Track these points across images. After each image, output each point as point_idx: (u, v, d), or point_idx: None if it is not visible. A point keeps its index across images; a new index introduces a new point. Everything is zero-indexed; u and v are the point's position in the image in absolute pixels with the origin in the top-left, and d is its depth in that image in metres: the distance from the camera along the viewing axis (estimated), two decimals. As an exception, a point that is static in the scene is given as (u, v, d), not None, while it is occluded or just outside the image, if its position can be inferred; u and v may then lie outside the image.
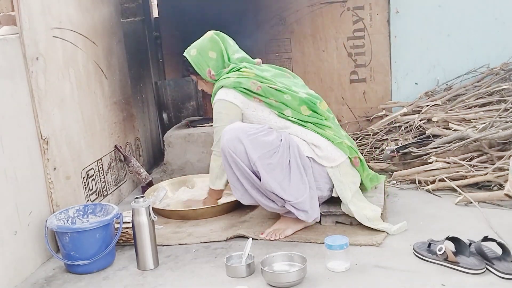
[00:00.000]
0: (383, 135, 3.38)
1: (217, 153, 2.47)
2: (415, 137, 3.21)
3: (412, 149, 3.00)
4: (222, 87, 2.45)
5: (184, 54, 2.60)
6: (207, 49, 2.55)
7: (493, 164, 2.67)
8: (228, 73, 2.50)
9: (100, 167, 2.81)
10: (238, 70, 2.49)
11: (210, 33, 2.60)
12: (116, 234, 2.24)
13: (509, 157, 2.61)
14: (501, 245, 1.97)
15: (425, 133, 3.15)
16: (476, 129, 2.86)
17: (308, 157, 2.34)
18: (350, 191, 2.36)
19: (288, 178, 2.27)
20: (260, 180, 2.25)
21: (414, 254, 2.10)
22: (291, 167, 2.29)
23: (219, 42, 2.55)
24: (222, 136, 2.31)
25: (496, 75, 3.35)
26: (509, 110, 2.97)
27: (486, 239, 1.99)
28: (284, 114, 2.40)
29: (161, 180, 3.18)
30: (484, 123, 2.88)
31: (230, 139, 2.26)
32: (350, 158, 2.41)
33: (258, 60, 2.63)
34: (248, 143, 2.24)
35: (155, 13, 3.97)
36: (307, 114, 2.41)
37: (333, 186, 2.37)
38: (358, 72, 3.64)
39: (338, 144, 2.38)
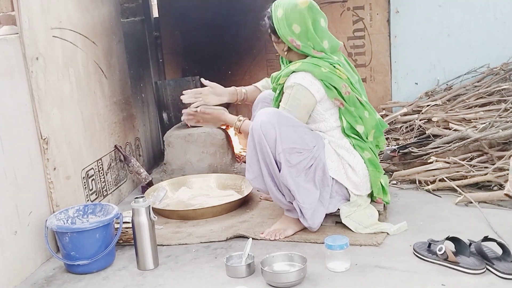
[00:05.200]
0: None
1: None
2: (415, 137, 3.21)
3: (412, 149, 3.00)
4: (309, 72, 2.28)
5: (272, 7, 2.37)
6: (293, 21, 2.30)
7: (493, 164, 2.67)
8: (319, 59, 2.32)
9: (100, 167, 2.81)
10: (331, 64, 2.32)
11: (305, 3, 2.30)
12: (116, 234, 2.24)
13: (509, 157, 2.61)
14: (501, 245, 1.97)
15: (425, 133, 3.15)
16: (476, 129, 2.86)
17: (331, 176, 2.32)
18: (354, 212, 2.37)
19: (304, 180, 2.26)
20: (279, 171, 2.24)
21: (414, 254, 2.10)
22: (308, 175, 2.27)
23: (308, 19, 2.30)
24: (257, 115, 2.26)
25: (496, 75, 3.35)
26: (509, 110, 2.97)
27: (486, 239, 1.99)
28: (354, 129, 2.33)
29: (161, 180, 3.18)
30: (484, 123, 2.88)
31: (265, 122, 2.21)
32: (373, 196, 2.43)
33: (341, 43, 2.44)
34: (280, 132, 2.20)
35: (155, 13, 3.97)
36: (370, 140, 2.37)
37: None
38: (358, 72, 3.63)
39: (374, 181, 2.38)
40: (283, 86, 2.36)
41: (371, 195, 2.45)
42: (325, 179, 2.31)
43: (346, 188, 2.35)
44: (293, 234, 2.36)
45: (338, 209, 2.36)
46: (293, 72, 2.31)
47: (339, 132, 2.37)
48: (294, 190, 2.24)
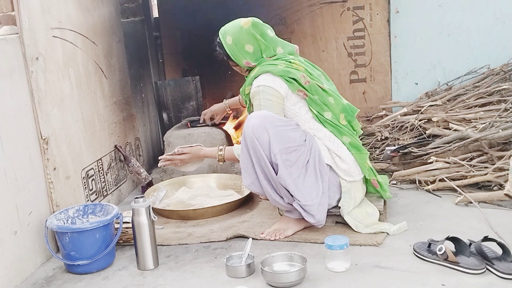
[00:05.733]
0: (388, 135, 3.37)
1: None
2: (415, 137, 3.20)
3: (412, 149, 3.00)
4: (267, 72, 2.35)
5: (220, 36, 2.48)
6: (244, 42, 2.42)
7: (493, 164, 2.67)
8: (274, 60, 2.41)
9: (100, 167, 2.81)
10: (286, 60, 2.40)
11: (248, 23, 2.42)
12: (116, 234, 2.24)
13: (509, 157, 2.61)
14: (501, 245, 1.97)
15: (425, 133, 3.15)
16: (476, 129, 2.86)
17: (327, 164, 2.33)
18: (354, 205, 2.38)
19: (303, 179, 2.26)
20: (276, 173, 2.24)
21: (414, 254, 2.10)
22: (308, 169, 2.28)
23: (257, 35, 2.41)
24: (247, 120, 2.27)
25: (496, 75, 3.35)
26: (509, 110, 2.97)
27: (486, 239, 1.99)
28: (323, 116, 2.36)
29: (161, 180, 3.18)
30: (484, 123, 2.88)
31: (257, 125, 2.22)
32: (367, 179, 2.44)
33: (296, 46, 2.53)
34: (273, 134, 2.21)
35: (155, 13, 3.97)
36: (343, 123, 2.39)
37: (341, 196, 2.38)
38: (358, 72, 3.64)
39: (361, 163, 2.39)
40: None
41: (365, 181, 2.46)
42: (322, 168, 2.32)
43: (338, 176, 2.36)
44: (293, 234, 2.36)
45: (339, 207, 2.37)
46: (255, 78, 2.39)
47: (315, 123, 2.39)
48: (294, 190, 2.24)
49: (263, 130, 2.21)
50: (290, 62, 2.39)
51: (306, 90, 2.34)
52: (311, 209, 2.26)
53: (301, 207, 2.26)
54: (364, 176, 2.43)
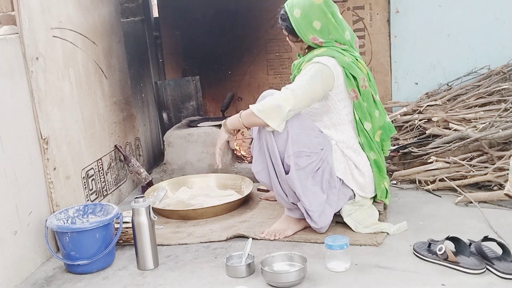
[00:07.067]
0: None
1: (295, 94, 2.17)
2: (415, 137, 3.20)
3: (412, 149, 3.00)
4: (333, 57, 2.25)
5: (285, 8, 2.33)
6: (313, 18, 2.28)
7: (493, 164, 2.67)
8: (343, 50, 2.31)
9: (100, 167, 2.81)
10: (354, 57, 2.32)
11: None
12: (116, 234, 2.24)
13: (509, 157, 2.61)
14: (501, 245, 1.97)
15: (425, 133, 3.15)
16: (476, 129, 2.86)
17: (338, 177, 2.31)
18: (355, 211, 2.37)
19: (310, 184, 2.25)
20: (286, 172, 2.23)
21: (414, 254, 2.10)
22: (316, 177, 2.26)
23: (327, 13, 2.28)
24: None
25: (496, 75, 3.35)
26: (509, 110, 2.97)
27: (486, 239, 1.99)
28: (362, 125, 2.32)
29: (161, 180, 3.18)
30: (484, 123, 2.88)
31: None
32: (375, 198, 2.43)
33: (357, 39, 2.45)
34: (292, 134, 2.18)
35: (155, 13, 3.97)
36: (377, 140, 2.36)
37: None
38: (358, 72, 3.63)
39: (377, 183, 2.37)
40: None
41: (374, 197, 2.45)
42: (332, 181, 2.30)
43: (352, 190, 2.35)
44: (292, 234, 2.36)
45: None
46: (317, 56, 2.27)
47: (350, 129, 2.35)
48: (301, 194, 2.23)
49: (284, 127, 2.18)
50: (357, 60, 2.32)
51: (360, 93, 2.29)
52: (313, 215, 2.26)
53: (305, 210, 2.26)
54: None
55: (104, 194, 2.84)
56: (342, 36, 2.33)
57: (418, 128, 3.21)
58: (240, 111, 2.33)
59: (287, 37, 2.43)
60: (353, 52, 2.34)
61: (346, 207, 2.35)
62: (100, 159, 2.81)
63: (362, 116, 2.31)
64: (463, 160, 2.77)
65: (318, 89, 2.23)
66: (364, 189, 2.35)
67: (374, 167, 2.37)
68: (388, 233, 2.29)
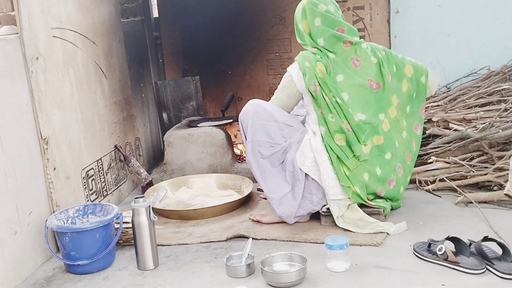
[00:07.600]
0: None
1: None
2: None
3: (412, 149, 3.00)
4: (296, 62, 2.38)
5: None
6: (297, 21, 2.52)
7: (493, 164, 2.67)
8: (311, 53, 2.37)
9: (100, 167, 2.81)
10: (317, 60, 2.34)
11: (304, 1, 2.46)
12: (116, 234, 2.24)
13: (509, 157, 2.61)
14: (501, 245, 1.97)
15: (425, 133, 3.14)
16: (476, 129, 2.86)
17: (304, 172, 2.35)
18: (339, 210, 2.35)
19: (272, 173, 2.39)
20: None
21: (414, 254, 2.10)
22: (280, 167, 2.41)
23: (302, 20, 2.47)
24: (247, 103, 2.44)
25: (496, 75, 3.35)
26: (509, 110, 2.96)
27: (486, 239, 1.99)
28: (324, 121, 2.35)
29: (161, 180, 3.18)
30: (484, 123, 2.88)
31: (244, 111, 2.44)
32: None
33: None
34: (252, 123, 2.38)
35: (155, 13, 3.97)
36: (338, 143, 2.32)
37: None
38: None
39: (344, 187, 2.33)
40: None
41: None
42: (296, 173, 2.37)
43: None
44: (270, 223, 2.45)
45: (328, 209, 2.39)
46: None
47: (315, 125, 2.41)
48: (260, 180, 2.40)
49: (246, 117, 2.41)
50: (319, 60, 2.34)
51: (312, 97, 2.33)
52: (272, 202, 2.39)
53: (267, 195, 2.41)
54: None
55: (104, 194, 2.84)
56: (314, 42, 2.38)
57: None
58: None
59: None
60: (322, 48, 2.35)
61: (334, 209, 2.35)
62: (100, 159, 2.81)
63: (319, 118, 2.35)
64: (463, 160, 2.77)
65: (283, 97, 2.43)
66: (332, 193, 2.33)
67: (336, 170, 2.33)
68: (388, 233, 2.29)
